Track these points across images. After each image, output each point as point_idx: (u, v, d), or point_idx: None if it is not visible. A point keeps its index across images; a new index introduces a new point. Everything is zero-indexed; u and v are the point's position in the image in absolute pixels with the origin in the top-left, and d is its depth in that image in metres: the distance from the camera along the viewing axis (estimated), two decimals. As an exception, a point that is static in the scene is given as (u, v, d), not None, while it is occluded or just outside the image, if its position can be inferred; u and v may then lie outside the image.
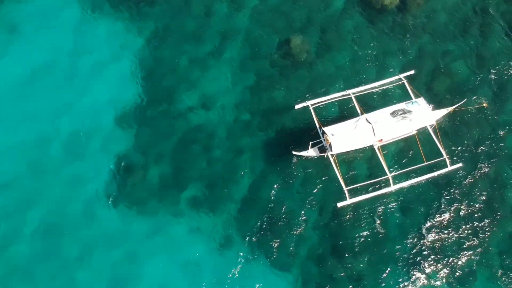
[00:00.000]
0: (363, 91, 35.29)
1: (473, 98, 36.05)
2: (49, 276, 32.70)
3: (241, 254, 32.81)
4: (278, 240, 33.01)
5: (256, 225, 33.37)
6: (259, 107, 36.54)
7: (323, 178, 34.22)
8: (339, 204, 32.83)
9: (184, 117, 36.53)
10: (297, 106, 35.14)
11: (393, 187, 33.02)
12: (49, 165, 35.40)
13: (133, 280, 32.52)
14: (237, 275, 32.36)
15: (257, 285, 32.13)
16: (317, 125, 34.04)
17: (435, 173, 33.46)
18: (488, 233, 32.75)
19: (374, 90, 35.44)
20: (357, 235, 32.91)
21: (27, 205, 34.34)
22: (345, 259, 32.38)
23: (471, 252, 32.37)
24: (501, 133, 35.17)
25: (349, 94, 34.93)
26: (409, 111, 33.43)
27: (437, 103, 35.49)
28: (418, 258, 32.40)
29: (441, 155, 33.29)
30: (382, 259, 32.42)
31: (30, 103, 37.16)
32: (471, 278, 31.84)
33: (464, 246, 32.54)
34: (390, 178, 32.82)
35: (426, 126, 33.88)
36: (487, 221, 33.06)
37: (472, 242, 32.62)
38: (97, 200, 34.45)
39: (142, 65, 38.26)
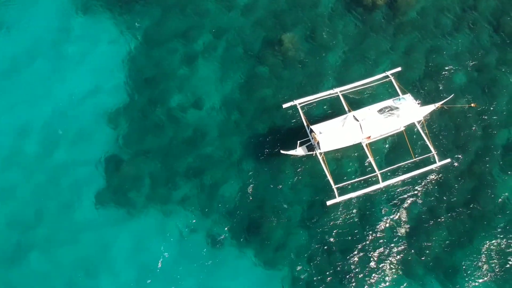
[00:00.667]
0: (350, 89, 35.25)
1: (462, 96, 36.06)
2: (32, 275, 32.68)
3: (231, 252, 32.78)
4: (268, 239, 32.96)
5: (246, 224, 33.34)
6: (248, 106, 36.52)
7: (312, 176, 34.20)
8: (328, 202, 32.75)
9: (174, 115, 36.53)
10: (284, 105, 35.08)
11: (382, 184, 32.96)
12: (36, 163, 35.40)
13: (121, 278, 32.43)
14: (226, 273, 32.34)
15: (247, 283, 32.09)
16: (305, 124, 33.96)
17: (424, 169, 33.44)
18: (477, 230, 32.71)
19: (362, 87, 35.39)
20: (347, 233, 32.88)
21: (11, 201, 34.36)
22: (335, 257, 32.36)
23: (460, 249, 32.35)
24: (490, 130, 35.18)
25: (336, 93, 34.88)
26: (396, 108, 33.42)
27: (425, 100, 35.50)
28: (408, 256, 32.34)
29: (430, 151, 33.25)
30: (372, 257, 32.36)
31: (17, 98, 37.32)
32: (459, 276, 31.80)
33: (453, 243, 32.50)
34: (379, 175, 32.77)
35: (414, 122, 33.83)
36: (476, 218, 33.03)
37: (461, 239, 32.61)
38: (86, 198, 34.38)
39: (132, 64, 38.28)
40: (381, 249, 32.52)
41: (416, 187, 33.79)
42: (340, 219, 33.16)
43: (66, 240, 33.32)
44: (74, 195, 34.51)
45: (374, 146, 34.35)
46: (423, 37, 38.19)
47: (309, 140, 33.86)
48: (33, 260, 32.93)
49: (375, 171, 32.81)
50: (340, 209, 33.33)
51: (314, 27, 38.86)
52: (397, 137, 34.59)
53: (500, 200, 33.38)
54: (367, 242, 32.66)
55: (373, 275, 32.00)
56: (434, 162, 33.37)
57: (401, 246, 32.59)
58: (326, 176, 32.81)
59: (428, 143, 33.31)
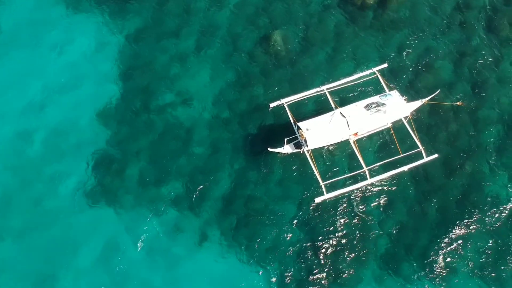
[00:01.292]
0: (337, 86, 35.30)
1: (451, 92, 36.16)
2: (26, 274, 32.34)
3: (220, 251, 32.57)
4: (257, 237, 32.77)
5: (235, 222, 33.18)
6: (238, 104, 36.51)
7: (302, 174, 34.10)
8: (317, 199, 32.69)
9: (164, 113, 36.45)
10: (272, 105, 35.11)
11: (370, 180, 32.93)
12: (25, 161, 35.28)
13: (110, 278, 32.15)
14: (215, 272, 32.11)
15: (236, 282, 31.82)
16: (292, 121, 33.95)
17: (412, 165, 33.42)
18: (465, 228, 32.60)
19: (348, 84, 35.45)
20: (336, 230, 32.73)
21: (2, 200, 34.15)
22: (325, 255, 32.15)
23: (449, 246, 32.19)
24: (478, 127, 35.23)
25: (323, 90, 34.92)
26: (383, 104, 33.48)
27: (413, 96, 35.59)
28: (397, 253, 32.20)
29: (417, 147, 33.26)
30: (362, 255, 32.21)
31: (5, 98, 37.32)
32: (451, 274, 31.62)
33: (442, 241, 32.34)
34: (367, 171, 32.74)
35: (400, 118, 33.86)
36: (465, 214, 32.93)
37: (450, 237, 32.44)
38: (75, 197, 34.18)
39: (121, 62, 38.31)
40: (370, 246, 32.36)
41: (405, 183, 33.69)
42: (329, 216, 33.04)
43: (53, 239, 33.08)
44: (62, 194, 34.28)
45: (362, 142, 34.34)
46: (412, 34, 38.32)
47: (296, 138, 33.83)
48: (19, 259, 32.77)
49: (362, 168, 32.77)
50: (329, 206, 33.23)
51: (304, 25, 39.00)
52: (384, 133, 34.59)
53: (490, 196, 33.35)
54: (356, 239, 32.50)
55: (362, 272, 31.81)
56: (422, 157, 33.35)
57: (390, 243, 32.44)
58: (314, 173, 32.72)
59: (415, 139, 33.33)
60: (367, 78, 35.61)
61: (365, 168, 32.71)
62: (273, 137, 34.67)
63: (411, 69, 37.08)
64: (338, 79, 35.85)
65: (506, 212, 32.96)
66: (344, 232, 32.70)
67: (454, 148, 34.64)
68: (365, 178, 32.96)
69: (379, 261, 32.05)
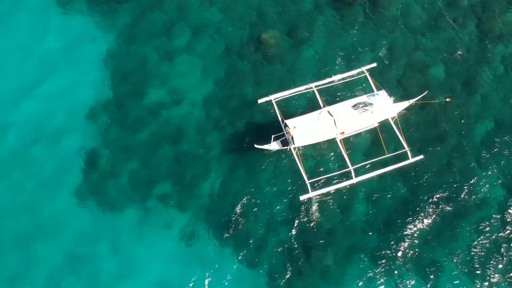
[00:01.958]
0: (325, 84, 35.34)
1: (441, 91, 36.27)
2: (11, 275, 32.29)
3: (209, 249, 32.61)
4: (246, 235, 32.84)
5: (224, 220, 33.22)
6: (228, 102, 36.47)
7: (291, 172, 34.15)
8: (302, 197, 32.83)
9: (153, 112, 36.37)
10: (260, 101, 35.11)
11: (355, 180, 33.09)
12: (11, 160, 35.16)
13: (100, 277, 32.20)
14: (205, 270, 32.13)
15: (225, 280, 31.91)
16: (280, 118, 33.98)
17: (397, 165, 33.60)
18: (454, 225, 32.84)
19: (337, 83, 35.48)
20: (323, 228, 32.85)
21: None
22: (313, 253, 32.29)
23: (437, 244, 32.42)
24: (467, 126, 35.40)
25: (311, 88, 34.95)
26: (371, 104, 33.56)
27: (403, 96, 35.71)
28: (384, 251, 32.40)
29: (403, 148, 33.42)
30: (349, 252, 32.39)
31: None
32: (437, 272, 31.86)
33: (430, 239, 32.58)
34: (352, 171, 32.88)
35: (387, 119, 33.99)
36: (454, 213, 33.16)
37: (438, 234, 32.69)
38: (63, 196, 34.10)
39: (111, 60, 38.16)
40: (358, 245, 32.53)
41: (393, 183, 33.85)
42: (318, 214, 33.16)
43: (42, 238, 33.03)
44: (51, 192, 34.22)
45: (349, 141, 34.46)
46: (402, 32, 38.37)
47: (284, 135, 33.88)
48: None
49: (348, 167, 32.89)
50: (316, 203, 33.37)
51: (294, 23, 38.91)
52: (371, 133, 34.72)
53: (478, 195, 33.58)
54: (343, 238, 32.65)
55: (350, 270, 31.98)
56: (408, 158, 33.52)
57: (377, 242, 32.61)
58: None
59: (401, 139, 33.48)
60: (356, 77, 35.64)
61: (351, 167, 32.85)
62: (262, 134, 34.64)
63: (400, 67, 37.12)
64: (327, 77, 35.86)
65: (495, 209, 33.15)
66: (331, 229, 32.83)
67: (442, 145, 34.76)
68: (350, 177, 33.09)
69: (366, 258, 32.21)
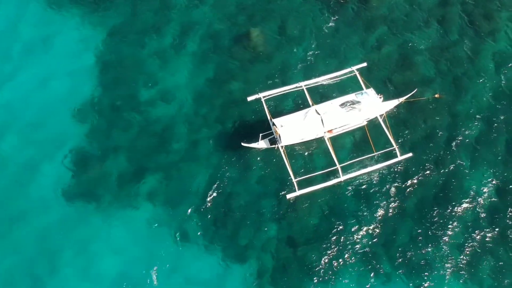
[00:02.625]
0: (315, 83, 35.38)
1: (431, 89, 36.12)
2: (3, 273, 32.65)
3: (197, 247, 32.73)
4: (233, 232, 32.95)
5: (212, 218, 33.34)
6: (217, 100, 36.63)
7: (278, 170, 34.20)
8: (289, 196, 32.89)
9: (142, 110, 36.60)
10: (249, 98, 35.18)
11: (342, 178, 33.06)
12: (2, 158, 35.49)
13: (88, 275, 32.41)
14: (193, 267, 32.31)
15: (213, 278, 32.05)
16: (268, 117, 34.11)
17: (385, 163, 33.53)
18: (442, 224, 32.67)
19: (327, 82, 35.52)
20: (312, 226, 32.86)
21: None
22: (300, 251, 32.35)
23: (427, 243, 32.27)
24: (456, 122, 35.25)
25: (301, 86, 35.01)
26: (358, 102, 33.53)
27: (393, 94, 35.61)
28: (374, 250, 32.32)
29: (392, 146, 33.34)
30: (337, 250, 32.35)
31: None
32: (426, 270, 31.72)
33: (418, 237, 32.45)
34: (339, 169, 32.86)
35: (376, 117, 33.92)
36: (442, 211, 33.00)
37: (427, 233, 32.55)
38: (52, 195, 34.32)
39: (101, 58, 38.44)
40: (347, 243, 32.46)
41: (383, 181, 33.76)
42: (306, 212, 33.16)
43: (31, 237, 33.34)
44: (39, 190, 34.48)
45: (337, 140, 34.42)
46: (392, 31, 38.30)
47: (271, 133, 34.00)
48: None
49: (336, 165, 32.91)
50: (306, 202, 33.35)
51: (284, 21, 39.04)
52: (360, 131, 34.67)
53: (468, 192, 33.40)
54: (332, 236, 32.60)
55: (339, 269, 31.89)
56: (396, 156, 33.43)
57: (366, 240, 32.53)
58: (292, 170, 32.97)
59: (389, 137, 33.38)
60: (346, 76, 35.63)
61: (338, 166, 32.84)
62: (251, 132, 34.75)
63: (390, 66, 37.06)
64: (317, 76, 35.89)
65: (485, 207, 32.96)
66: (320, 227, 32.82)
67: (432, 143, 34.61)
68: (338, 176, 33.10)
69: (356, 256, 32.17)
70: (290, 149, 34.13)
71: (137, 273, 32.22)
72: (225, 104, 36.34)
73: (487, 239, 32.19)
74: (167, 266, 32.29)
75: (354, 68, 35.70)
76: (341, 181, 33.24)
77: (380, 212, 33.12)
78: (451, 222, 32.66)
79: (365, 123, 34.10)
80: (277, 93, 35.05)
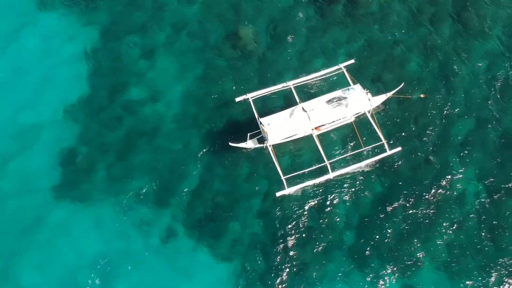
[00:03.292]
0: (303, 81, 35.42)
1: (419, 86, 36.02)
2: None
3: (185, 245, 32.74)
4: (222, 231, 32.95)
5: (201, 216, 33.36)
6: (207, 99, 36.71)
7: (267, 169, 34.17)
8: (278, 193, 32.80)
9: (132, 109, 36.74)
10: (237, 99, 35.35)
11: (331, 174, 32.92)
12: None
13: (78, 274, 32.39)
14: (181, 266, 32.32)
15: (201, 275, 32.00)
16: (256, 116, 34.17)
17: (374, 158, 33.34)
18: (432, 222, 32.40)
19: (314, 80, 35.54)
20: (302, 224, 32.77)
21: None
22: (289, 249, 32.22)
23: (416, 241, 32.02)
24: (445, 120, 35.06)
25: (289, 86, 35.06)
26: (345, 98, 33.46)
27: (381, 90, 35.56)
28: (363, 247, 32.10)
29: (380, 141, 33.17)
30: (326, 249, 32.20)
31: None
32: (416, 268, 31.48)
33: (408, 235, 32.17)
34: (328, 165, 32.72)
35: (364, 112, 33.81)
36: (431, 208, 32.75)
37: (416, 231, 32.27)
38: (39, 192, 34.45)
39: (90, 57, 38.63)
40: (335, 240, 32.31)
41: (371, 177, 33.64)
42: (295, 210, 33.08)
43: (20, 233, 33.49)
44: (28, 190, 34.59)
45: (325, 137, 34.36)
46: (382, 28, 38.35)
47: (260, 133, 34.02)
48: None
49: (325, 162, 32.79)
50: (294, 200, 33.29)
51: (274, 20, 39.20)
52: (348, 128, 34.55)
53: (455, 191, 33.17)
54: (321, 233, 32.47)
55: (327, 266, 31.75)
56: (385, 151, 33.23)
57: (355, 237, 32.36)
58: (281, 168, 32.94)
59: (378, 132, 33.22)
60: (334, 74, 35.63)
61: (327, 162, 32.71)
62: (239, 132, 34.81)
63: (378, 63, 37.05)
64: (305, 75, 35.95)
65: (472, 206, 32.78)
66: (310, 226, 32.70)
67: (420, 141, 34.49)
68: (327, 172, 32.94)
69: (344, 254, 32.00)
70: (278, 147, 34.08)
71: (122, 270, 32.24)
72: (213, 103, 36.39)
73: (475, 237, 31.98)
74: (153, 264, 32.30)
75: (342, 65, 35.70)
76: (331, 178, 33.07)
77: (369, 208, 32.93)
78: (439, 220, 32.40)
79: (353, 119, 33.97)
80: (265, 93, 35.14)
